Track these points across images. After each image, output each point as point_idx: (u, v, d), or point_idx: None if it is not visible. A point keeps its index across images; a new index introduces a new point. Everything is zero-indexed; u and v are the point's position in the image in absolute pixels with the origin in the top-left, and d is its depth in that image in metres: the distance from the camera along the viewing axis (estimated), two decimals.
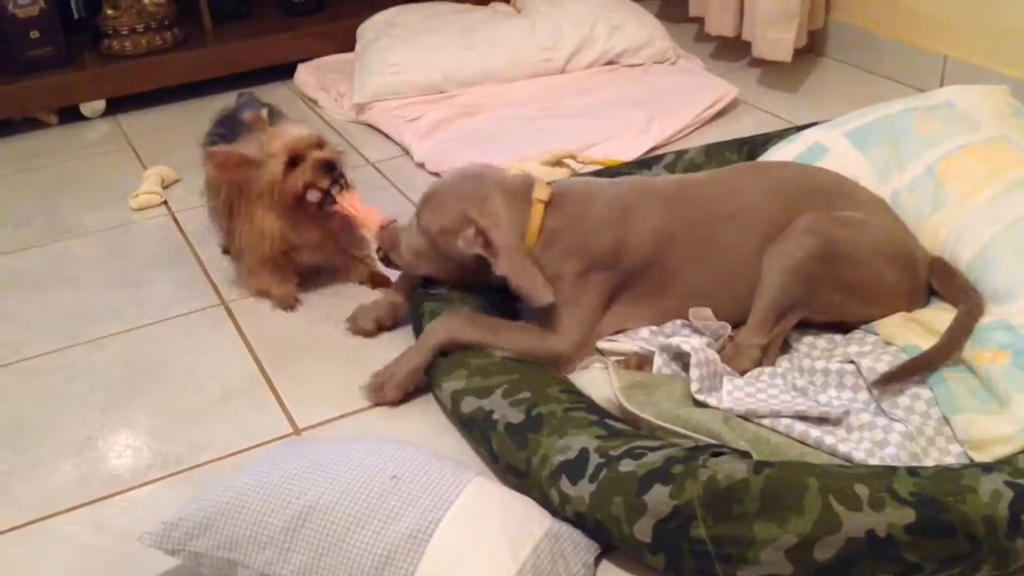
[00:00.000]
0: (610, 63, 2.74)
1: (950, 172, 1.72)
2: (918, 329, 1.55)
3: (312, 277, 1.96)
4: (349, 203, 1.81)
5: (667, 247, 1.62)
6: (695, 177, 1.76)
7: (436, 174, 2.28)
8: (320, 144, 1.82)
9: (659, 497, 1.23)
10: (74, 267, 2.10)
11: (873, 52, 2.72)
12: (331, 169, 1.78)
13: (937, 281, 1.64)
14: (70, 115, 2.80)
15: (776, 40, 2.57)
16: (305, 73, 2.87)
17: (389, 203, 2.17)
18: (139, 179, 2.38)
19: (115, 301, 1.96)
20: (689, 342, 1.51)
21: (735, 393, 1.46)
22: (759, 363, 1.56)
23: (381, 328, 1.80)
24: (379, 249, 1.74)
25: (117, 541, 1.39)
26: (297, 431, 1.59)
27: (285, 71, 2.93)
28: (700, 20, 2.92)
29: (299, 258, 1.90)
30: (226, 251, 2.05)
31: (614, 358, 1.59)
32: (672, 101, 2.50)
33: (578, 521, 1.31)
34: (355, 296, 1.90)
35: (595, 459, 1.31)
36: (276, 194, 1.78)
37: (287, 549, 1.23)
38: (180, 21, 2.87)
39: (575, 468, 1.32)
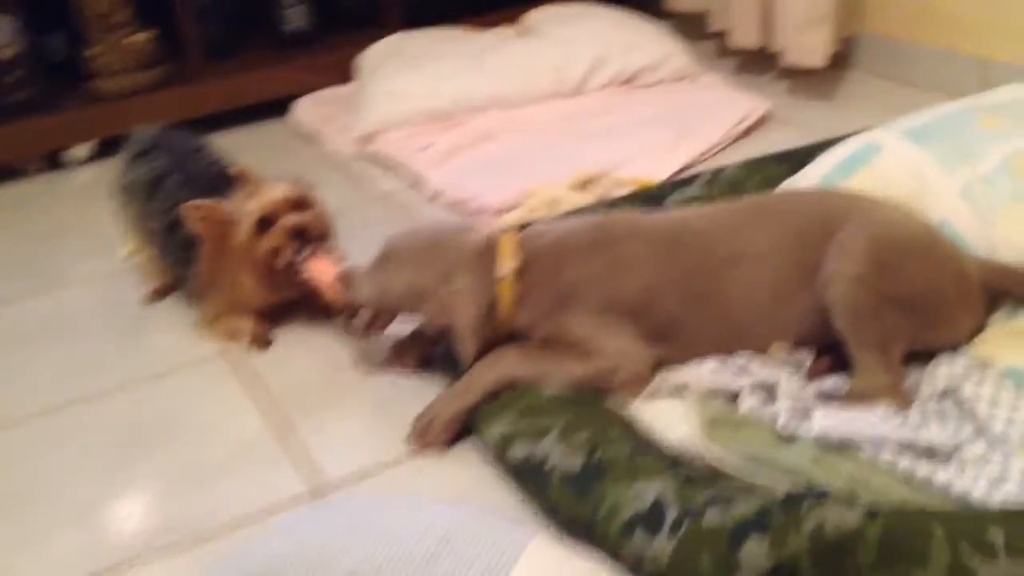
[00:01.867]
0: (627, 83, 2.59)
1: None
2: (1016, 345, 1.38)
3: (316, 320, 1.80)
4: (318, 271, 1.66)
5: (660, 297, 1.46)
6: (691, 217, 1.57)
7: (456, 203, 2.12)
8: (300, 205, 1.70)
9: (756, 551, 1.05)
10: (67, 319, 1.92)
11: (908, 62, 2.57)
12: (302, 235, 1.67)
13: (1015, 284, 1.47)
14: (55, 160, 2.63)
15: (807, 45, 2.42)
16: (304, 107, 2.72)
17: None
18: (114, 230, 2.18)
19: (112, 354, 1.79)
20: (774, 374, 1.33)
21: (827, 420, 1.28)
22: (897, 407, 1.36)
23: (426, 362, 1.64)
24: (343, 312, 1.60)
25: None
26: (322, 489, 1.41)
27: (279, 107, 2.77)
28: (720, 34, 2.78)
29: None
30: (156, 295, 1.93)
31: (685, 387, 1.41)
32: (698, 119, 2.35)
33: None
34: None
35: (674, 509, 1.13)
36: (246, 254, 1.68)
37: None
38: (167, 58, 2.71)
39: (650, 520, 1.14)
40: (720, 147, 2.30)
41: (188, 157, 1.89)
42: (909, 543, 1.01)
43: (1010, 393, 1.30)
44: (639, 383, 1.44)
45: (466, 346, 1.46)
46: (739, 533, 1.06)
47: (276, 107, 2.77)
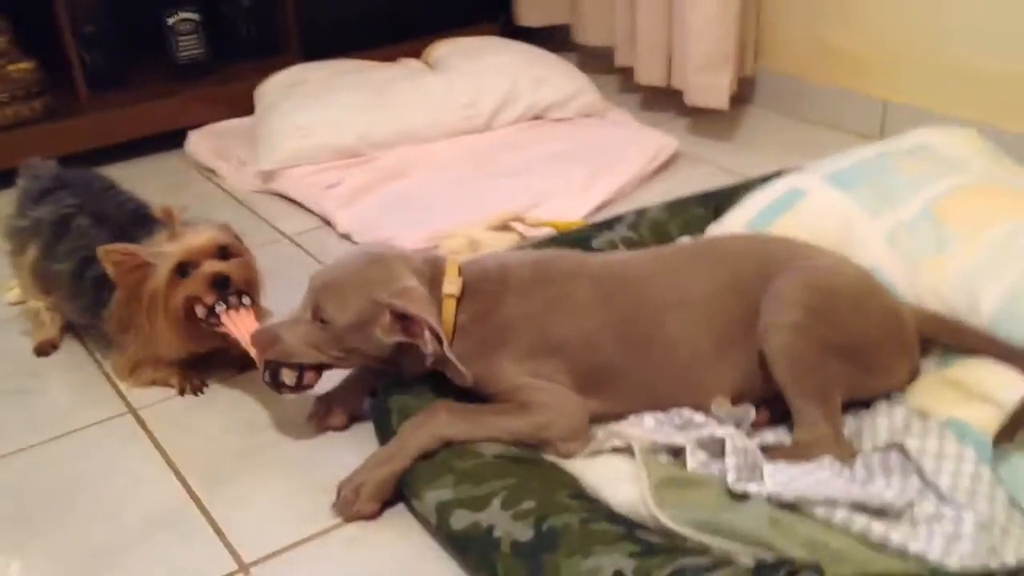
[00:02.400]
0: (536, 118, 2.56)
1: (949, 213, 1.57)
2: (954, 396, 1.38)
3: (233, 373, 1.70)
4: (237, 326, 1.56)
5: (597, 342, 1.42)
6: (632, 259, 1.55)
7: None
8: (225, 252, 1.60)
9: None
10: None
11: (807, 99, 2.61)
12: (223, 284, 1.56)
13: (945, 335, 1.48)
14: None
15: (710, 86, 2.43)
16: (197, 140, 2.59)
17: None
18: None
19: (1, 414, 1.65)
20: (720, 430, 1.30)
21: (777, 476, 1.25)
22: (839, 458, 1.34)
23: (353, 420, 1.55)
24: (264, 369, 1.46)
25: None
26: (243, 567, 1.31)
27: (174, 139, 2.63)
28: (626, 70, 2.77)
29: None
30: (47, 346, 1.81)
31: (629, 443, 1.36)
32: (611, 155, 2.33)
33: None
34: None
35: None
36: (162, 302, 1.57)
37: None
38: (51, 89, 2.55)
39: None
40: (632, 185, 2.28)
41: (97, 196, 1.78)
42: None
43: (954, 446, 1.30)
44: (575, 438, 1.39)
45: (439, 333, 1.35)
46: None
47: (172, 138, 2.63)
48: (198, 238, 1.58)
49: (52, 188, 1.79)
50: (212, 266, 1.56)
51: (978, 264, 1.49)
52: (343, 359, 1.46)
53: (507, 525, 1.21)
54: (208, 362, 1.69)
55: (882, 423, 1.38)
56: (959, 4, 2.25)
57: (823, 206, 1.66)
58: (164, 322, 1.59)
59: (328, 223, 2.20)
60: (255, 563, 1.31)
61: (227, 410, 1.63)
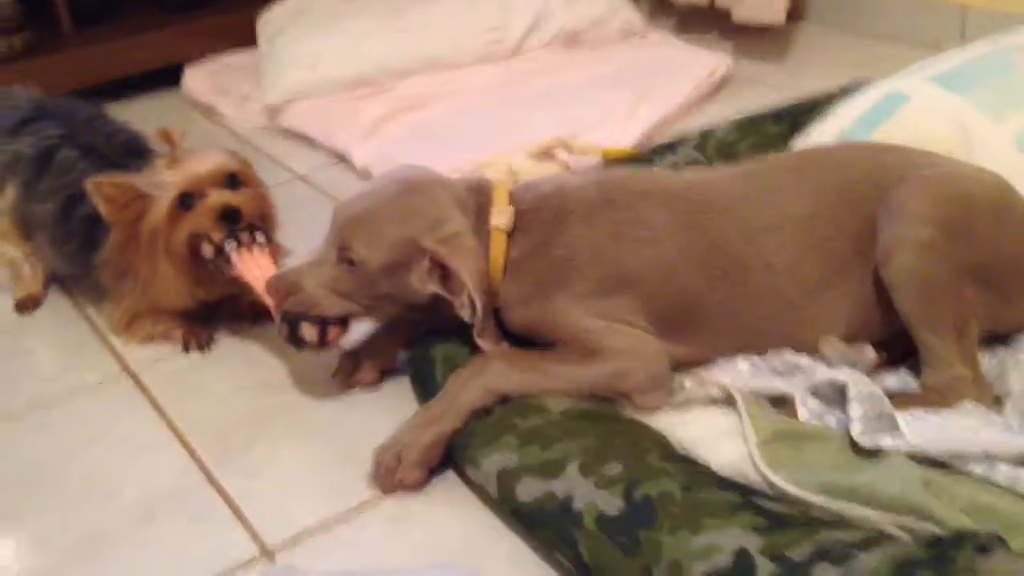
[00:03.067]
0: (570, 41, 2.29)
1: None
2: None
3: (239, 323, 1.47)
4: (251, 268, 1.32)
5: (678, 275, 1.18)
6: (717, 177, 1.28)
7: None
8: (234, 181, 1.36)
9: None
10: None
11: (868, 11, 2.35)
12: (233, 218, 1.32)
13: None
14: None
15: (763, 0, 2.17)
16: (194, 77, 2.34)
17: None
18: None
19: None
20: (836, 374, 1.06)
21: (916, 426, 1.01)
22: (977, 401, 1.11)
23: (385, 375, 1.32)
24: (280, 322, 1.23)
25: None
26: (266, 552, 1.08)
27: (169, 77, 2.38)
28: None
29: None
30: (30, 302, 1.58)
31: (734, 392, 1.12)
32: (657, 78, 2.08)
33: None
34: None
35: (766, 567, 0.85)
36: (163, 240, 1.34)
37: None
38: (32, 23, 2.30)
39: None
40: (682, 110, 2.03)
41: (84, 126, 1.55)
42: None
43: None
44: (656, 388, 1.16)
45: (477, 303, 1.14)
46: None
47: (166, 76, 2.37)
48: (203, 165, 1.35)
49: (32, 118, 1.57)
50: (220, 197, 1.33)
51: None
52: (372, 309, 1.23)
53: (589, 495, 0.98)
54: (216, 313, 1.47)
55: None
56: None
57: (933, 111, 1.41)
58: (166, 264, 1.36)
59: (343, 159, 1.95)
60: (280, 547, 1.08)
61: (239, 368, 1.40)
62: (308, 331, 1.23)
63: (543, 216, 1.21)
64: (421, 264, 1.17)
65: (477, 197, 1.23)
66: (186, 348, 1.43)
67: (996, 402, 1.12)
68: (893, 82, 1.49)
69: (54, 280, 1.61)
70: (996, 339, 1.19)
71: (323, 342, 1.24)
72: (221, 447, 1.24)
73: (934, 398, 1.11)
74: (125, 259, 1.38)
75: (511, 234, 1.21)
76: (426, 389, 1.22)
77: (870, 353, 1.16)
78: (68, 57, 2.29)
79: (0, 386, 1.40)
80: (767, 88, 2.12)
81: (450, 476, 1.15)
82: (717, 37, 2.43)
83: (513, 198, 1.23)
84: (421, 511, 1.11)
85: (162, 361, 1.42)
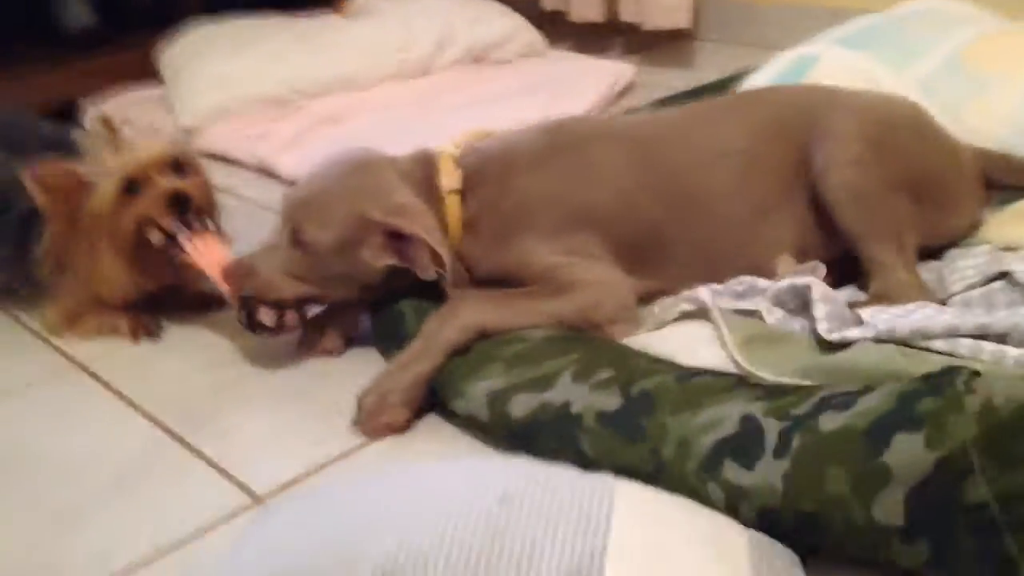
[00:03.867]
0: (476, 60, 2.37)
1: (981, 57, 1.48)
2: None
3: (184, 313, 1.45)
4: (203, 253, 1.32)
5: (639, 204, 1.24)
6: (661, 116, 1.38)
7: None
8: (179, 165, 1.35)
9: (910, 451, 0.81)
10: None
11: (753, 24, 2.49)
12: (182, 204, 1.32)
13: (1002, 173, 1.35)
14: None
15: (673, 5, 2.29)
16: (96, 112, 2.30)
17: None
18: None
19: None
20: (799, 280, 1.12)
21: (880, 316, 1.07)
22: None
23: (348, 342, 1.31)
24: (239, 308, 1.25)
25: None
26: (256, 499, 1.06)
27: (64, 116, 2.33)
28: (555, 14, 2.60)
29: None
30: None
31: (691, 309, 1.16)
32: (564, 87, 2.17)
33: (767, 520, 0.87)
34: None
35: (773, 425, 0.89)
36: (107, 228, 1.31)
37: None
38: None
39: (743, 445, 0.89)
40: (596, 111, 2.10)
41: (11, 127, 1.52)
42: None
43: None
44: (626, 319, 1.19)
45: (442, 253, 1.15)
46: (880, 431, 0.83)
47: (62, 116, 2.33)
48: (147, 150, 1.33)
49: None
50: (169, 182, 1.32)
51: None
52: (328, 290, 1.25)
53: (586, 398, 1.00)
54: (159, 304, 1.43)
55: (964, 264, 1.23)
56: None
57: (840, 67, 1.52)
58: (110, 254, 1.33)
59: (266, 173, 1.95)
60: (269, 494, 1.06)
61: (191, 352, 1.37)
62: (266, 316, 1.24)
63: (491, 171, 1.26)
64: (373, 239, 1.19)
65: (424, 167, 1.26)
66: (135, 336, 1.39)
67: (943, 304, 1.19)
68: (802, 48, 1.60)
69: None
70: (929, 256, 1.28)
71: (280, 327, 1.24)
72: (189, 417, 1.21)
73: (884, 303, 1.18)
74: (65, 251, 1.35)
75: (463, 195, 1.24)
76: (395, 344, 1.22)
77: (821, 269, 1.22)
78: None
79: None
80: (671, 90, 2.22)
81: (433, 419, 1.16)
82: (619, 52, 2.55)
83: (459, 161, 1.27)
84: (410, 447, 1.11)
85: (111, 354, 1.38)
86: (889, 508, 0.81)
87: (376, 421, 1.12)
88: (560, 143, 1.27)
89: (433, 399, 1.15)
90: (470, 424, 1.11)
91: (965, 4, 1.71)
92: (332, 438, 1.14)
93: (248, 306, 1.23)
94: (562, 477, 0.82)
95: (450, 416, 1.14)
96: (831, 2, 2.34)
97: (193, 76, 2.16)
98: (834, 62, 1.53)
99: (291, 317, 1.25)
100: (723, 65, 2.38)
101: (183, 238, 1.31)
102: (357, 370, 1.26)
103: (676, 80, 2.29)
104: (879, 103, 1.29)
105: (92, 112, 1.39)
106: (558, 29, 2.64)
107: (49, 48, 2.45)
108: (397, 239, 1.18)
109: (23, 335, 1.45)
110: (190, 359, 1.35)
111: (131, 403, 1.25)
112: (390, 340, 1.24)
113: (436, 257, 1.17)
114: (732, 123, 1.28)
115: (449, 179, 1.24)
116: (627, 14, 2.42)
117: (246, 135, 2.04)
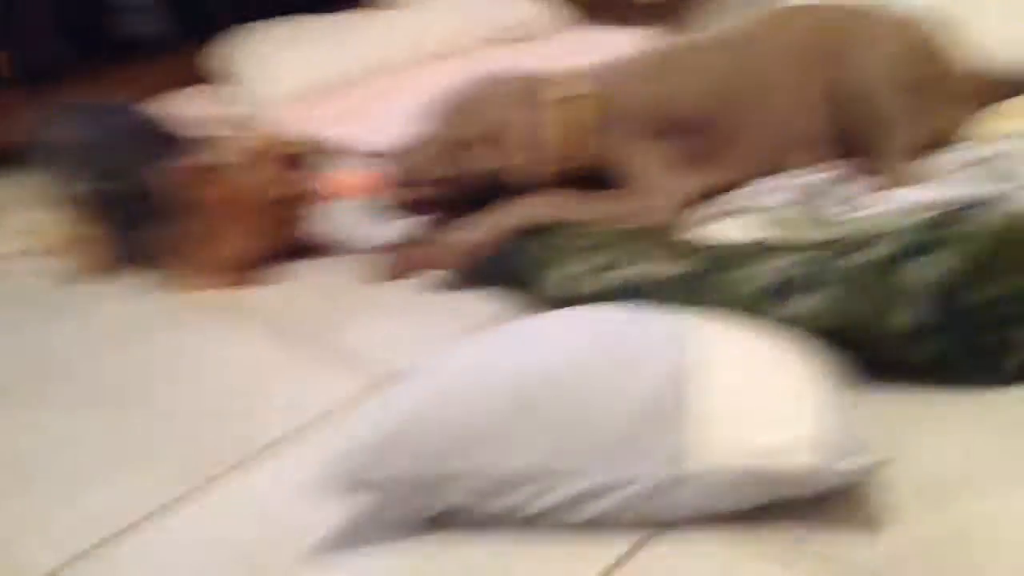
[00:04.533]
0: (504, 40, 2.64)
1: None
2: (1007, 120, 1.49)
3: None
4: (344, 181, 1.67)
5: (716, 100, 1.52)
6: (730, 28, 1.64)
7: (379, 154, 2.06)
8: (287, 142, 1.67)
9: (922, 269, 1.06)
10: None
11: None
12: (297, 163, 1.64)
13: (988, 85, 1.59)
14: None
15: None
16: (176, 104, 2.55)
17: None
18: None
19: (70, 332, 1.58)
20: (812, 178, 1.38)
21: (885, 200, 1.32)
22: None
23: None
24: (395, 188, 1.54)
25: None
26: (380, 382, 1.29)
27: None
28: None
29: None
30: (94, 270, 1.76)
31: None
32: (597, 52, 2.40)
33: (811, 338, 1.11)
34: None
35: (812, 268, 1.13)
36: (242, 200, 1.61)
37: (511, 438, 0.96)
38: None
39: (788, 285, 1.13)
40: None
41: (139, 126, 1.78)
42: None
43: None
44: (669, 222, 1.44)
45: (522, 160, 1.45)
46: (896, 260, 1.07)
47: None
48: (259, 136, 1.65)
49: (98, 112, 1.79)
50: (285, 148, 1.62)
51: None
52: (457, 180, 1.51)
53: (646, 272, 1.25)
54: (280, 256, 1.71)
55: (949, 157, 1.46)
56: None
57: None
58: (243, 221, 1.61)
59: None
60: (390, 379, 1.27)
61: (312, 288, 1.62)
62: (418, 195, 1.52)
63: (610, 82, 1.52)
64: (492, 145, 1.47)
65: (550, 87, 1.52)
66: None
67: None
68: None
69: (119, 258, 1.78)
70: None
71: (421, 211, 1.55)
72: (316, 330, 1.46)
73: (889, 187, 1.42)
74: (198, 225, 1.62)
75: (590, 100, 1.50)
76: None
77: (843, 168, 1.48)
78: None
79: (82, 337, 1.55)
80: None
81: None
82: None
83: (589, 75, 1.54)
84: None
85: (245, 296, 1.62)
86: (907, 315, 1.05)
87: (432, 262, 1.46)
88: (656, 61, 1.55)
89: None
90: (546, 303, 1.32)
91: None
92: (438, 339, 1.34)
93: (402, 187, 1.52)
94: (647, 312, 1.07)
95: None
96: None
97: (260, 70, 2.42)
98: None
99: (427, 208, 1.54)
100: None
101: (327, 176, 1.63)
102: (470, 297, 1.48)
103: None
104: (903, 19, 1.55)
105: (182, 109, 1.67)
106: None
107: (113, 54, 2.69)
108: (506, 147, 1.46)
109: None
110: (311, 292, 1.60)
111: (269, 326, 1.50)
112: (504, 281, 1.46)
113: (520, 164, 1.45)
114: (775, 41, 1.55)
115: (562, 92, 1.50)
116: None
117: (314, 114, 2.28)
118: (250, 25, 2.64)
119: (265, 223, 1.63)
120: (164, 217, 1.63)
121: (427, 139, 1.52)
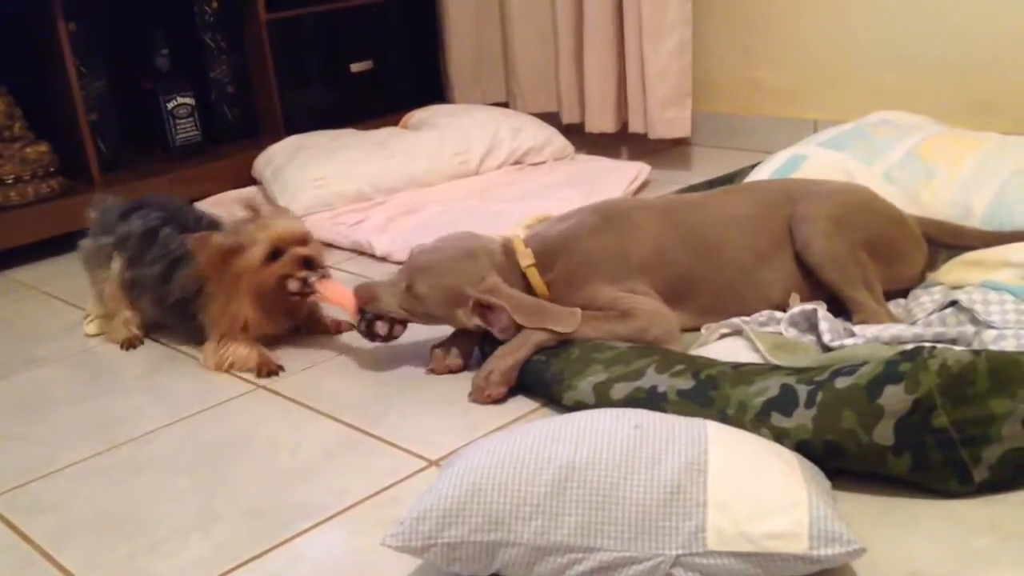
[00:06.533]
0: (517, 163, 2.86)
1: (931, 151, 1.97)
2: (978, 270, 1.70)
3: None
4: (333, 291, 1.81)
5: (676, 254, 1.71)
6: (682, 196, 1.87)
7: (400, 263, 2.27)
8: (305, 240, 1.86)
9: (895, 396, 1.26)
10: (58, 389, 1.87)
11: (741, 133, 3.01)
12: (310, 265, 1.82)
13: (946, 236, 1.82)
14: None
15: (674, 119, 2.80)
16: (207, 206, 2.76)
17: None
18: (65, 319, 2.21)
19: (134, 406, 1.76)
20: (808, 307, 1.59)
21: (867, 330, 1.53)
22: None
23: (467, 363, 1.76)
24: (360, 320, 1.74)
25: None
26: (432, 463, 1.48)
27: None
28: (571, 127, 3.12)
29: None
30: (130, 344, 2.00)
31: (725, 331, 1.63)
32: (597, 182, 2.65)
33: (802, 450, 1.30)
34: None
35: (803, 388, 1.33)
36: (253, 281, 1.81)
37: (556, 513, 1.14)
38: (65, 169, 2.71)
39: (783, 402, 1.33)
40: None
41: (177, 211, 1.99)
42: (1011, 369, 1.26)
43: (994, 295, 1.61)
44: (671, 340, 1.64)
45: (508, 319, 1.63)
46: (875, 386, 1.27)
47: None
48: (289, 225, 1.85)
49: (137, 207, 2.00)
50: (302, 250, 1.82)
51: (965, 181, 1.86)
52: (428, 323, 1.74)
53: (667, 382, 1.45)
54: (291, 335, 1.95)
55: (925, 299, 1.69)
56: (869, 34, 2.72)
57: (824, 164, 2.01)
58: (256, 300, 1.83)
59: (360, 253, 2.41)
60: (442, 458, 1.48)
61: (346, 373, 1.81)
62: (381, 327, 1.73)
63: (559, 245, 1.73)
64: (467, 306, 1.66)
65: (506, 252, 1.74)
66: (259, 373, 1.83)
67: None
68: (792, 149, 2.09)
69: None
70: (898, 296, 1.75)
71: (390, 335, 1.75)
72: (363, 416, 1.64)
73: (867, 319, 1.64)
74: (216, 301, 1.83)
75: (541, 265, 1.71)
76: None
77: (823, 305, 1.69)
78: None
79: (155, 405, 1.74)
80: (681, 184, 2.71)
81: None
82: (627, 159, 3.05)
83: (529, 242, 1.75)
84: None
85: (283, 379, 1.82)
86: (883, 433, 1.26)
87: (481, 393, 1.60)
88: (610, 215, 1.75)
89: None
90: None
91: (915, 116, 2.23)
92: (479, 423, 1.56)
93: (368, 320, 1.73)
94: (664, 416, 1.26)
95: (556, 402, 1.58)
96: (805, 114, 2.87)
97: (291, 177, 2.63)
98: (819, 159, 2.02)
99: (398, 330, 1.75)
100: (718, 164, 2.89)
101: (315, 282, 1.80)
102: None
103: (680, 179, 2.79)
104: (839, 189, 1.79)
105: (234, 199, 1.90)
106: (575, 139, 3.15)
107: (164, 159, 2.93)
108: (484, 308, 1.66)
109: (198, 367, 1.89)
110: (350, 378, 1.79)
111: (315, 411, 1.68)
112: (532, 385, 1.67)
113: (512, 323, 1.63)
114: (738, 199, 1.78)
115: (524, 258, 1.72)
116: (635, 126, 2.93)
117: (342, 223, 2.50)
118: (294, 135, 2.89)
119: (279, 303, 1.84)
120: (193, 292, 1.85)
121: (393, 282, 1.73)
